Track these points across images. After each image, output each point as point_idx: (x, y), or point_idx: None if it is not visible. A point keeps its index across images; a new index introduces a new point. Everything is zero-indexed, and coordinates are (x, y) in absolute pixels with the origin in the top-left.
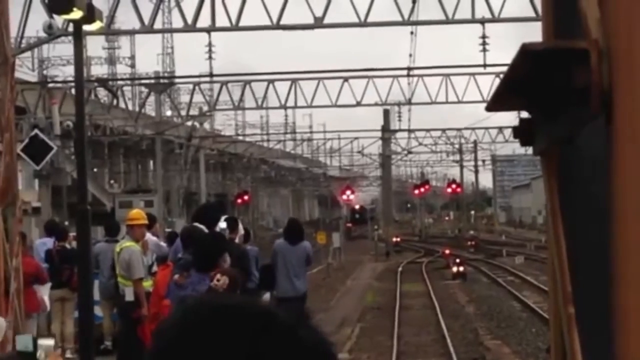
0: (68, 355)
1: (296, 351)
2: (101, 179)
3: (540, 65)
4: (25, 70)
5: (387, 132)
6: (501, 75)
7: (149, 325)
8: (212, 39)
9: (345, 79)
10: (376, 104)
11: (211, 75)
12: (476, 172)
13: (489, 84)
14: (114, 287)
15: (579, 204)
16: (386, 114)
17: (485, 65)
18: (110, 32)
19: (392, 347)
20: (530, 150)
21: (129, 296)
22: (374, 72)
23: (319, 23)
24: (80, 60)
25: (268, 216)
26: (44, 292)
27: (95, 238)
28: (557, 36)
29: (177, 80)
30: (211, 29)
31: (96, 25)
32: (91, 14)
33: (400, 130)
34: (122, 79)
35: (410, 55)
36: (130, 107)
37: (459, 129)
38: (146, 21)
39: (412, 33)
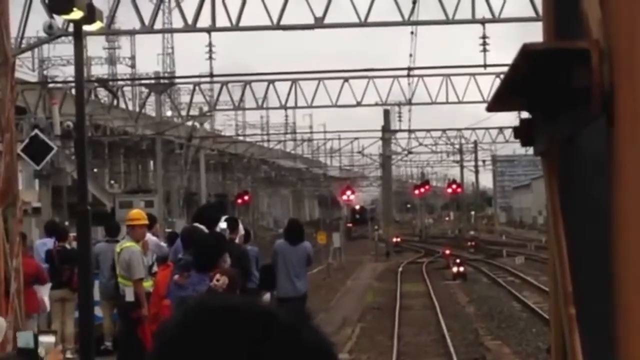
0: (68, 355)
1: (297, 351)
2: (101, 179)
3: (541, 65)
4: (25, 70)
5: (387, 133)
6: (501, 76)
7: (149, 325)
8: (213, 39)
9: (346, 79)
10: (376, 104)
11: (211, 75)
12: (476, 172)
13: (489, 84)
14: (114, 287)
15: (579, 204)
16: (386, 114)
17: (485, 66)
18: (110, 32)
19: (392, 348)
20: (530, 150)
21: (129, 296)
22: (374, 72)
23: (319, 23)
24: (80, 60)
25: (268, 216)
26: (44, 293)
27: (95, 238)
28: (557, 36)
29: (177, 80)
30: (211, 29)
31: (96, 26)
32: (91, 14)
33: (401, 130)
34: (122, 79)
35: (411, 55)
36: (130, 108)
37: (459, 129)
38: (146, 21)
39: (412, 33)
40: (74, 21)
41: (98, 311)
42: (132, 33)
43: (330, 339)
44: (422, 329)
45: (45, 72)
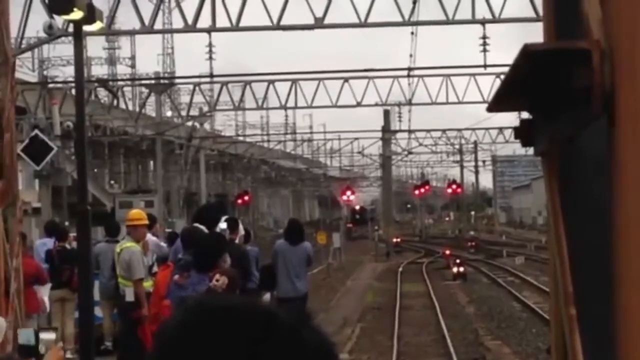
0: (68, 355)
1: (298, 351)
2: (101, 179)
3: (542, 65)
4: (25, 70)
5: (387, 133)
6: (502, 76)
7: (149, 325)
8: (213, 40)
9: (346, 80)
10: (376, 105)
11: (211, 75)
12: (476, 172)
13: (489, 85)
14: (114, 287)
15: (580, 204)
16: (386, 114)
17: (485, 66)
18: (110, 32)
19: (392, 348)
20: (530, 150)
21: (129, 296)
22: (374, 72)
23: (319, 23)
24: (80, 60)
25: (268, 217)
26: (44, 293)
27: (95, 238)
28: (558, 37)
29: (177, 80)
30: (211, 29)
31: (96, 26)
32: (91, 15)
33: (401, 130)
34: (122, 80)
35: (411, 55)
36: (130, 108)
37: (459, 130)
38: (146, 21)
39: (412, 33)
40: (74, 21)
41: (98, 311)
42: (132, 33)
43: (331, 339)
44: (422, 329)
45: (45, 73)
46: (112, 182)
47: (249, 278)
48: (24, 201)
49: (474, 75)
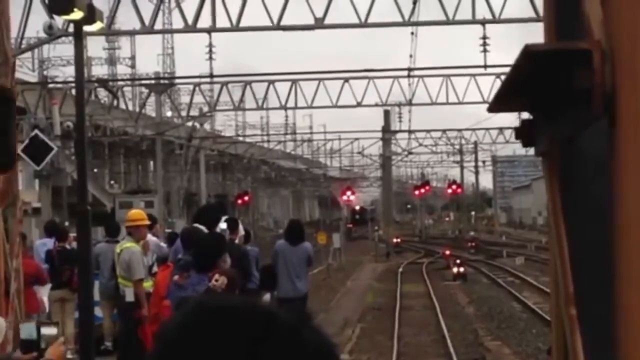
0: (68, 355)
1: (299, 352)
2: (101, 179)
3: (543, 66)
4: (25, 70)
5: (387, 133)
6: (502, 76)
7: (149, 325)
8: (213, 40)
9: (346, 80)
10: (376, 105)
11: (211, 75)
12: (476, 172)
13: (489, 85)
14: (114, 287)
15: (580, 204)
16: (386, 114)
17: (485, 66)
18: (110, 32)
19: (392, 348)
20: (530, 151)
21: (129, 297)
22: (375, 72)
23: (319, 24)
24: (80, 60)
25: (268, 217)
26: (43, 294)
27: (95, 239)
28: (559, 37)
29: (177, 80)
30: (211, 29)
31: (96, 26)
32: (91, 15)
33: (401, 131)
34: (122, 80)
35: (411, 55)
36: (130, 108)
37: (459, 130)
38: (146, 22)
39: (412, 34)
40: (74, 21)
41: (98, 311)
42: (132, 33)
43: (332, 340)
44: (422, 329)
45: (45, 73)
46: (112, 182)
47: (249, 278)
48: (24, 201)
49: (474, 75)
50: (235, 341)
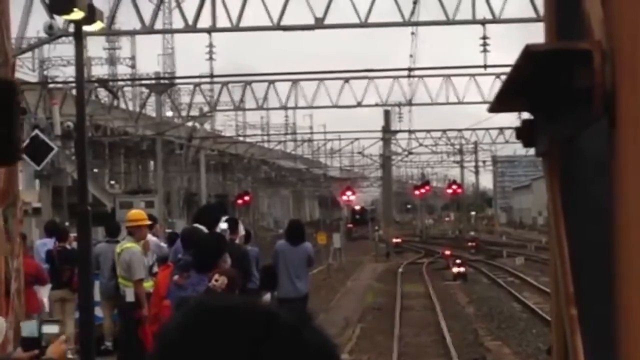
0: (69, 355)
1: (299, 352)
2: (102, 179)
3: (543, 66)
4: (25, 70)
5: (387, 133)
6: (502, 76)
7: (150, 325)
8: (213, 40)
9: (346, 80)
10: (377, 105)
11: (212, 75)
12: (477, 173)
13: (489, 85)
14: (115, 287)
15: (580, 204)
16: (387, 114)
17: (485, 66)
18: (110, 32)
19: (392, 348)
20: (530, 151)
21: (130, 297)
22: (375, 72)
23: (319, 24)
24: (80, 60)
25: (268, 217)
26: (43, 294)
27: (95, 239)
28: (559, 37)
29: (177, 80)
30: (212, 29)
31: (97, 26)
32: (92, 15)
33: (401, 131)
34: (122, 80)
35: (411, 55)
36: (130, 108)
37: (459, 130)
38: (147, 22)
39: (412, 34)
40: (75, 21)
41: (98, 311)
42: (132, 33)
43: (333, 340)
44: (422, 329)
45: (45, 73)
46: (113, 182)
47: (249, 278)
48: (24, 201)
49: (474, 75)
50: (235, 341)
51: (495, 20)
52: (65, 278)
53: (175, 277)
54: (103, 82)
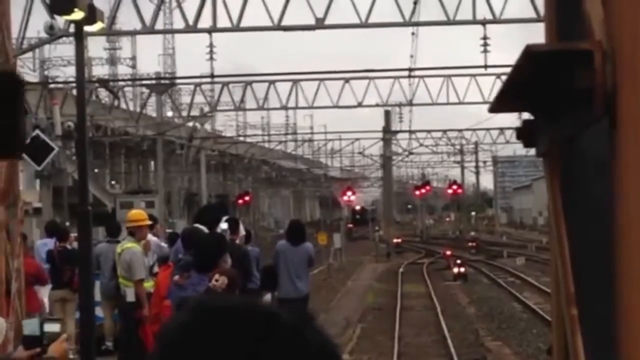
0: (69, 356)
1: (300, 352)
2: (102, 179)
3: (544, 66)
4: (26, 70)
5: (388, 133)
6: (502, 77)
7: (150, 326)
8: (213, 40)
9: (346, 80)
10: (377, 105)
11: (212, 76)
12: (477, 173)
13: (490, 85)
14: (115, 287)
15: (581, 204)
16: (387, 114)
17: (486, 67)
18: (111, 32)
19: (392, 348)
20: (531, 151)
21: (130, 297)
22: (375, 73)
23: (320, 24)
24: (81, 60)
25: (269, 217)
26: (44, 294)
27: (96, 239)
28: (560, 37)
29: (178, 80)
30: (212, 29)
31: (97, 26)
32: (92, 15)
33: (401, 131)
34: (123, 80)
35: (412, 56)
36: (131, 108)
37: (460, 130)
38: (147, 22)
39: (413, 34)
40: (75, 22)
41: (99, 312)
42: (133, 34)
43: (334, 340)
44: (422, 329)
45: (46, 73)
46: (113, 182)
47: (249, 278)
48: (24, 201)
49: (474, 75)
50: (236, 341)
51: (495, 21)
52: (66, 278)
53: (176, 277)
54: (104, 82)
